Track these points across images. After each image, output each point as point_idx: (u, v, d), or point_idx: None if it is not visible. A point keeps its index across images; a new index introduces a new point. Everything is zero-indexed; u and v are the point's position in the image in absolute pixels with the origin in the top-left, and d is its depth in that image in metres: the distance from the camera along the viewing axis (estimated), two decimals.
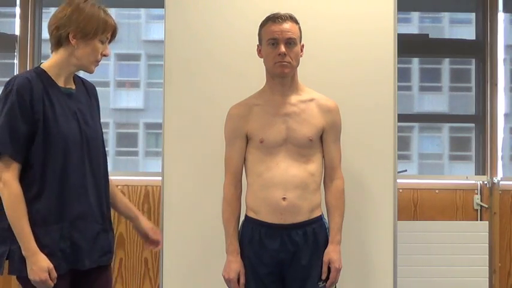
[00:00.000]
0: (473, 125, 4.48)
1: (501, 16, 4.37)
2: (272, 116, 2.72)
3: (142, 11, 4.72)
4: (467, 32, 4.54)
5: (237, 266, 2.70)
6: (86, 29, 2.40)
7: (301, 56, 2.74)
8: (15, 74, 4.24)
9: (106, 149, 2.60)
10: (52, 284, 2.32)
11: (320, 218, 2.75)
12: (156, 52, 4.60)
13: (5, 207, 2.31)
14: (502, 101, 4.37)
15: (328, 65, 3.16)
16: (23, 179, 2.33)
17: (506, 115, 4.41)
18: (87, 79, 2.63)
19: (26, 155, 2.33)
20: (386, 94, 3.16)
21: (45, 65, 2.47)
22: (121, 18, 4.69)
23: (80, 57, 2.44)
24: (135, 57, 4.69)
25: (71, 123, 2.41)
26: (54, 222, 2.35)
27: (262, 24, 2.73)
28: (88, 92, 2.58)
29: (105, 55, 2.49)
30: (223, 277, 2.72)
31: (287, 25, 2.68)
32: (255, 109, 2.74)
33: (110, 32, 2.46)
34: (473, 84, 4.49)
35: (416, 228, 4.14)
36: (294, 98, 2.76)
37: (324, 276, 2.71)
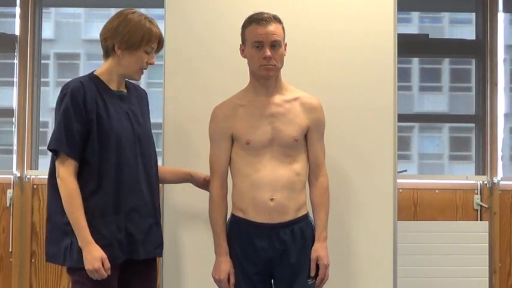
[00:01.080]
0: (473, 125, 4.47)
1: (501, 16, 4.37)
2: (258, 117, 2.72)
3: (142, 11, 4.72)
4: (467, 32, 4.54)
5: (226, 266, 2.71)
6: (131, 41, 2.57)
7: (284, 55, 2.73)
8: (15, 74, 4.28)
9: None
10: (105, 275, 2.46)
11: (306, 217, 2.76)
12: None
13: (63, 201, 2.48)
14: (502, 101, 4.36)
15: (328, 65, 3.16)
16: (81, 175, 2.51)
17: (506, 115, 4.41)
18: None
19: (82, 153, 2.50)
20: (386, 94, 3.16)
21: (97, 72, 2.64)
22: None
23: (126, 67, 2.61)
24: None
25: (123, 122, 2.58)
26: (111, 214, 2.52)
27: (245, 25, 2.72)
28: (141, 96, 2.76)
29: (150, 63, 2.65)
30: (213, 278, 2.73)
31: (271, 27, 2.66)
32: (240, 110, 2.73)
33: (154, 42, 2.63)
34: (473, 84, 4.49)
35: (416, 228, 4.14)
36: (278, 98, 2.75)
37: (312, 273, 2.71)
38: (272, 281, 2.76)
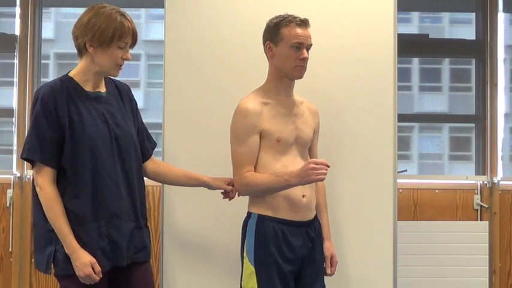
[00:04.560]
0: (473, 125, 4.47)
1: (501, 16, 4.37)
2: (283, 115, 2.75)
3: (142, 11, 4.72)
4: (467, 32, 4.54)
5: None
6: (102, 38, 2.47)
7: None
8: (15, 74, 4.28)
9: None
10: (97, 278, 2.42)
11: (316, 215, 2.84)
12: (156, 52, 4.60)
13: (44, 210, 2.44)
14: (502, 101, 4.36)
15: (328, 65, 3.16)
16: (59, 182, 2.46)
17: (506, 115, 4.41)
18: None
19: (58, 160, 2.44)
20: (387, 94, 3.16)
21: (72, 72, 2.56)
22: None
23: (100, 64, 2.52)
24: (135, 57, 4.69)
25: (99, 125, 2.50)
26: (90, 221, 2.46)
27: (282, 25, 2.72)
28: (121, 93, 2.66)
29: (125, 59, 2.54)
30: None
31: (309, 31, 2.74)
32: (266, 108, 2.73)
33: (127, 37, 2.52)
34: (473, 84, 4.49)
35: (416, 228, 4.14)
36: (295, 100, 2.81)
37: (328, 271, 2.83)
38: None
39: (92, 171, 2.47)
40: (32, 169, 2.49)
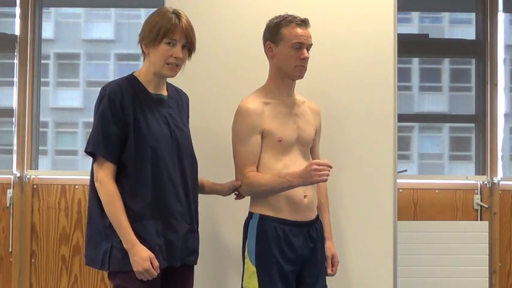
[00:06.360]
0: (473, 125, 4.48)
1: (501, 16, 4.37)
2: (284, 115, 2.75)
3: (142, 11, 4.72)
4: (467, 32, 4.55)
5: None
6: (150, 35, 2.51)
7: None
8: (15, 74, 4.29)
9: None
10: (155, 273, 2.40)
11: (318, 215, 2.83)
12: None
13: (103, 205, 2.43)
14: (502, 101, 4.37)
15: (328, 65, 3.16)
16: (118, 178, 2.45)
17: (506, 115, 4.41)
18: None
19: (120, 156, 2.45)
20: (386, 94, 3.16)
21: (136, 73, 2.60)
22: (121, 18, 4.69)
23: (153, 63, 2.55)
24: (135, 57, 4.67)
25: (161, 125, 2.53)
26: (149, 218, 2.46)
27: (283, 24, 2.72)
28: (182, 100, 2.70)
29: (177, 57, 2.53)
30: None
31: (309, 30, 2.74)
32: (267, 108, 2.73)
33: (174, 33, 2.51)
34: (473, 84, 4.50)
35: (416, 228, 4.14)
36: (296, 100, 2.81)
37: (329, 270, 2.82)
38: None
39: (153, 169, 2.47)
40: (93, 164, 2.48)
